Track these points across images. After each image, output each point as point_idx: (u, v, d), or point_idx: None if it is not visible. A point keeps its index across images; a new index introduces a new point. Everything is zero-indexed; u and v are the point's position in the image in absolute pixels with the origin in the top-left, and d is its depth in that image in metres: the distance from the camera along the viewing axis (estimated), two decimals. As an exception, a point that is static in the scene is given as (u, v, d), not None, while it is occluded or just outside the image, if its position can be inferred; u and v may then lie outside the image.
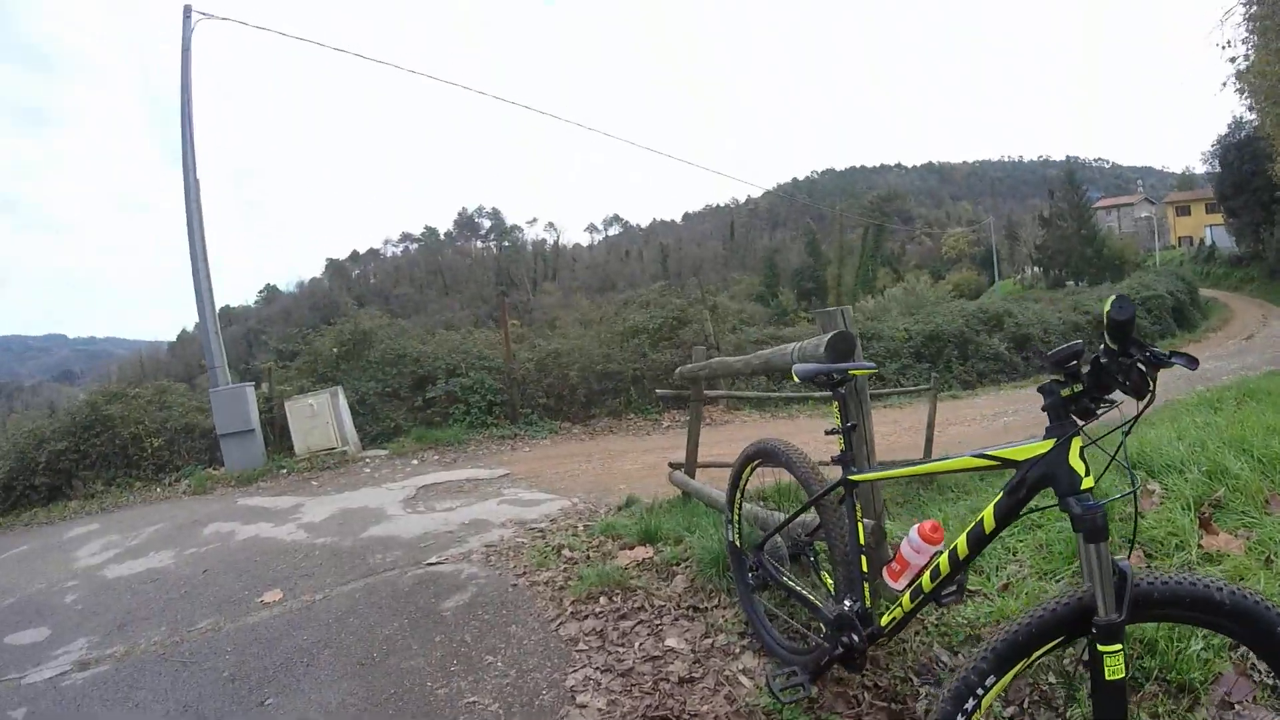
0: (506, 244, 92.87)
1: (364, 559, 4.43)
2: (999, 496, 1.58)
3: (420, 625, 3.29)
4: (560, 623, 3.10)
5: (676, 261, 73.03)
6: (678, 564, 3.46)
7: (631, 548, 3.75)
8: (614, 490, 6.00)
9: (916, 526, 1.86)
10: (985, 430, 8.59)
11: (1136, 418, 1.41)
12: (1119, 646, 1.30)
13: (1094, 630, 1.31)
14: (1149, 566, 2.35)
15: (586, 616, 3.11)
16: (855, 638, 2.01)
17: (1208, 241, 39.46)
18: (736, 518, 2.85)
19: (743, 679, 2.48)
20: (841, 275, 43.27)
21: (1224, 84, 14.14)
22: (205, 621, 3.67)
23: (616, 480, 6.54)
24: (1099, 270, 36.10)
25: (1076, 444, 1.44)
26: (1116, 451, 1.43)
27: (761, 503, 3.32)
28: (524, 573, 3.75)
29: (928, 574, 1.80)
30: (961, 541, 1.68)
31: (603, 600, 3.21)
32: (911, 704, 2.17)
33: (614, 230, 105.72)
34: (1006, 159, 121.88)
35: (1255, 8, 12.29)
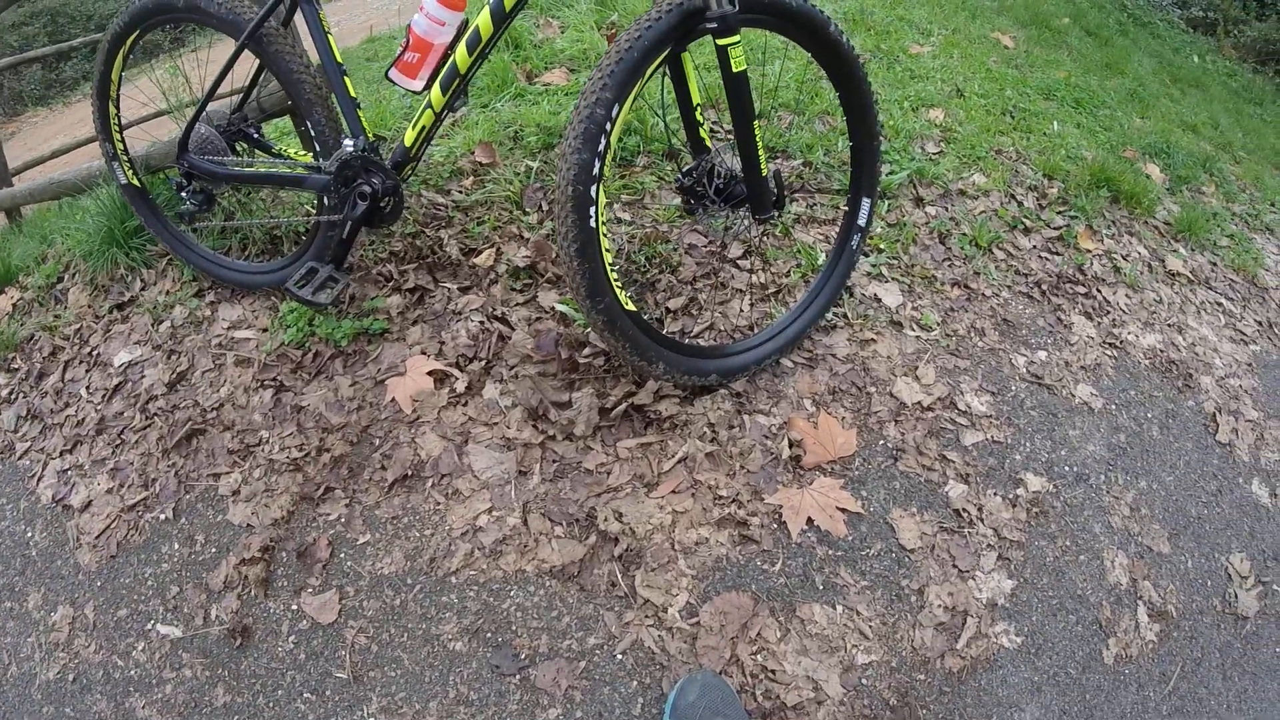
0: None
1: None
2: None
3: None
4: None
5: None
6: (58, 281, 2.43)
7: (-19, 309, 2.52)
8: None
9: None
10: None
11: None
12: (737, 39, 1.33)
13: (712, 26, 1.31)
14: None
15: (-10, 410, 2.14)
16: (379, 180, 1.61)
17: None
18: (121, 149, 2.00)
19: (241, 333, 1.97)
20: None
21: None
22: None
23: None
24: None
25: None
26: None
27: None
28: None
29: (461, 51, 1.45)
30: None
31: (-4, 380, 2.20)
32: (449, 252, 1.97)
33: None
34: None
35: None
